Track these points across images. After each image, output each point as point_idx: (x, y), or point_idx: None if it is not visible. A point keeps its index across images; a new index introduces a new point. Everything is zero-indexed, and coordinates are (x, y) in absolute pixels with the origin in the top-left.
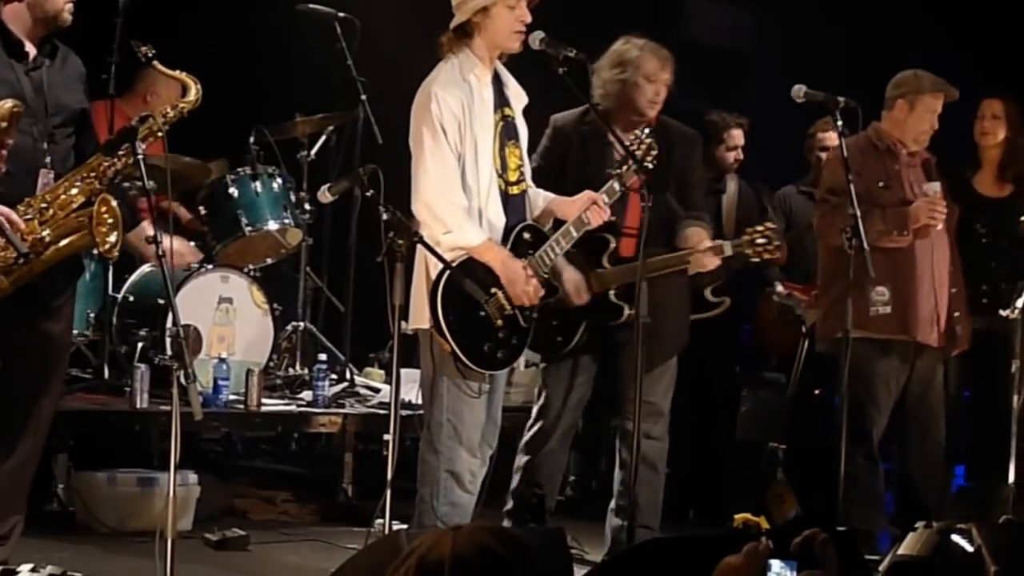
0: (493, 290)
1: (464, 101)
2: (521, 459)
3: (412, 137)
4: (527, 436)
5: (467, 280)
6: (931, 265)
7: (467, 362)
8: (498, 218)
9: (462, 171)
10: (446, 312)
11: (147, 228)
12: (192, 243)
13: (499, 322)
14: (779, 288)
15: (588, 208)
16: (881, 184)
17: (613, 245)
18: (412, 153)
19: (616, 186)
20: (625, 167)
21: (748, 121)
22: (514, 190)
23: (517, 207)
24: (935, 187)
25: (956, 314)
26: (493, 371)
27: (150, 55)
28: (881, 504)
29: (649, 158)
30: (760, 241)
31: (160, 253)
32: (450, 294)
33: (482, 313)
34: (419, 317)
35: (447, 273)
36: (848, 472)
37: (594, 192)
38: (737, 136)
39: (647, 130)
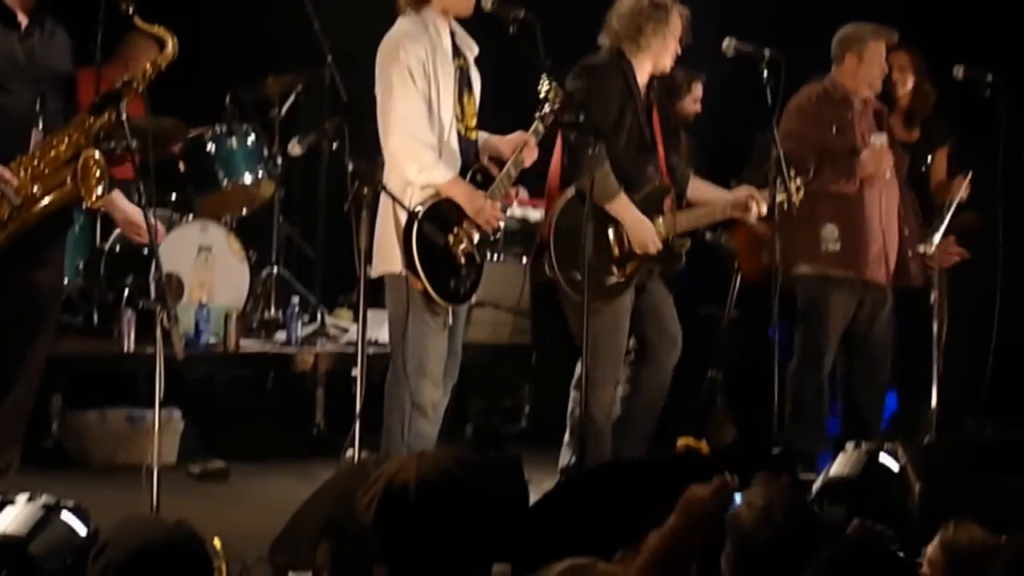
0: (456, 230)
1: (427, 49)
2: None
3: (380, 84)
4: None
5: (428, 224)
6: (879, 208)
7: (437, 298)
8: (457, 160)
9: (431, 117)
10: (420, 253)
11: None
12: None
13: (462, 259)
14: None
15: (522, 149)
16: (834, 130)
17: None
18: (380, 100)
19: (540, 128)
20: (546, 111)
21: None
22: (471, 135)
23: (471, 150)
24: (882, 138)
25: (909, 253)
26: (457, 304)
27: (130, 11)
28: (824, 428)
29: (558, 102)
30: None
31: (143, 204)
32: (420, 237)
33: (447, 252)
34: (387, 261)
35: (416, 220)
36: (796, 397)
37: (525, 132)
38: (699, 89)
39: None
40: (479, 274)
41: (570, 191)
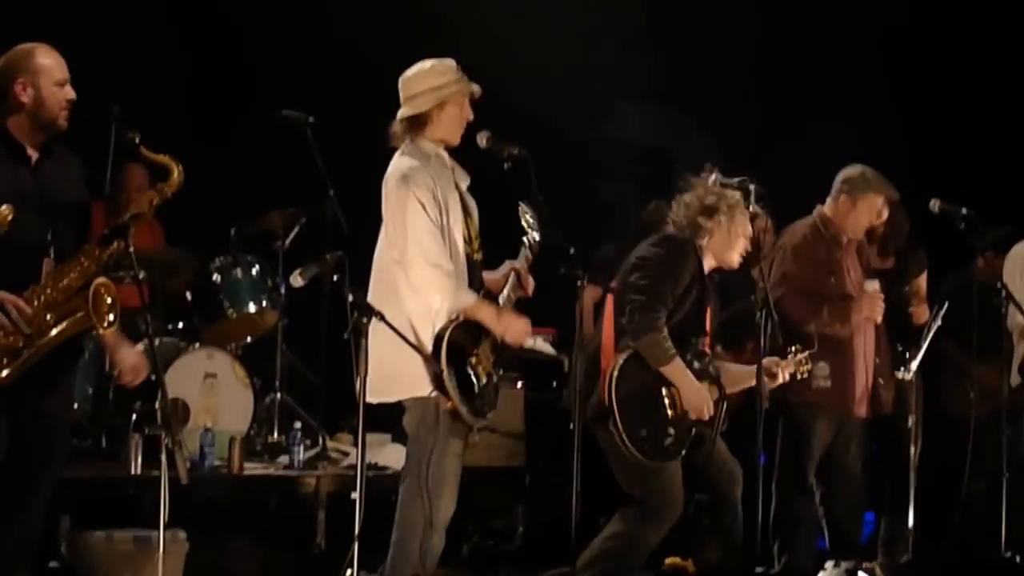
0: (475, 352)
1: (434, 177)
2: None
3: (392, 217)
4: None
5: (432, 359)
6: (863, 345)
7: (467, 416)
8: (468, 282)
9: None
10: (449, 375)
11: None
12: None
13: (484, 379)
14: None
15: (516, 276)
16: (831, 273)
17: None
18: (391, 232)
19: (528, 253)
20: (531, 235)
21: None
22: (476, 256)
23: (477, 272)
24: (875, 284)
25: (881, 381)
26: (481, 421)
27: (137, 141)
28: (815, 546)
29: (534, 230)
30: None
31: (149, 332)
32: (449, 360)
33: (469, 373)
34: (413, 385)
35: (444, 342)
36: (787, 519)
37: (512, 261)
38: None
39: (529, 204)
40: (497, 392)
41: (624, 354)
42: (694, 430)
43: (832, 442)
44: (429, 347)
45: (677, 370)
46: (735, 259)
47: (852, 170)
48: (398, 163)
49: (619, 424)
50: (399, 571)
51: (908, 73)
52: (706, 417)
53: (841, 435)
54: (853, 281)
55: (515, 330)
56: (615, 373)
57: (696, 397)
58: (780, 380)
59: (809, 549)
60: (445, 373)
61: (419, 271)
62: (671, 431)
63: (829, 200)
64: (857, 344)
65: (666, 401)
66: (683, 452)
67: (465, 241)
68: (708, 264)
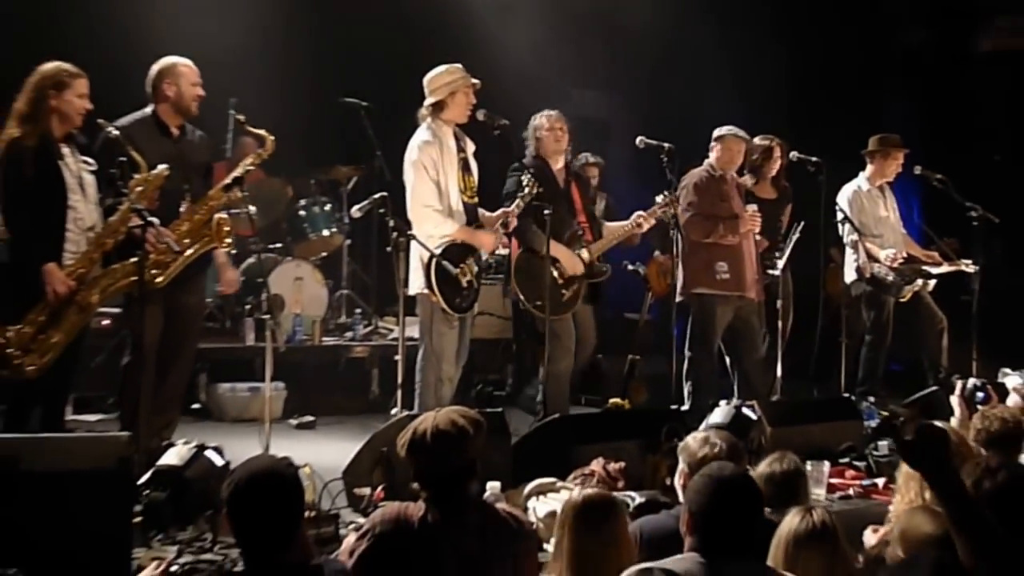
0: (461, 266)
1: (437, 149)
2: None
3: (406, 174)
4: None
5: (444, 261)
6: (749, 248)
7: (448, 310)
8: (463, 216)
9: (439, 192)
10: (438, 280)
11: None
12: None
13: (464, 284)
14: (658, 255)
15: (502, 220)
16: (721, 200)
17: (582, 233)
18: (406, 184)
19: (521, 203)
20: (526, 191)
21: (602, 161)
22: (472, 201)
23: (471, 212)
24: (753, 207)
25: (757, 277)
26: (462, 314)
27: (242, 120)
28: (715, 393)
29: (535, 190)
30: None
31: (258, 251)
32: (437, 270)
33: (455, 280)
34: (418, 283)
35: (434, 258)
36: (696, 375)
37: (507, 208)
38: (593, 171)
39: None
40: (476, 294)
41: (519, 251)
42: (582, 285)
43: (733, 319)
44: (426, 258)
45: (555, 247)
46: (559, 163)
47: (720, 129)
48: (417, 135)
49: (522, 300)
50: (423, 410)
51: (792, 46)
52: (581, 271)
53: (740, 314)
54: (737, 206)
55: (486, 242)
56: (513, 270)
57: (570, 259)
58: (643, 226)
59: (711, 394)
60: (434, 280)
61: (416, 209)
62: (564, 292)
63: (711, 153)
64: (744, 248)
65: (555, 273)
66: (575, 304)
67: (461, 191)
68: (556, 165)
